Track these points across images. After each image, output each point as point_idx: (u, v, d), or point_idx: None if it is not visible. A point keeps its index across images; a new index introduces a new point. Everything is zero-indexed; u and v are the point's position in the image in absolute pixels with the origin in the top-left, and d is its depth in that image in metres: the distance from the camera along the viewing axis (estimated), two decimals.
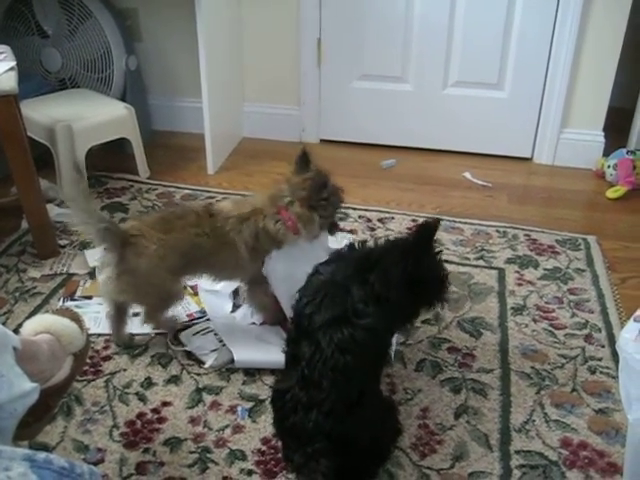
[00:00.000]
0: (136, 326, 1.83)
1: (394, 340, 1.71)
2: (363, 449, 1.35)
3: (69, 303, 1.95)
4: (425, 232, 1.55)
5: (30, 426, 1.14)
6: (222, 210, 1.75)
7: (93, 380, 1.68)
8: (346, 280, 1.43)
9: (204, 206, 1.78)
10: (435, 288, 1.61)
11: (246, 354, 1.72)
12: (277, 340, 1.73)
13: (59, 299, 1.97)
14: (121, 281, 1.67)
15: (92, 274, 2.08)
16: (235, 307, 1.96)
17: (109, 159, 2.81)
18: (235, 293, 2.00)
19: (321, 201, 1.73)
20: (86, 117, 2.56)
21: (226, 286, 1.97)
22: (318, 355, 1.32)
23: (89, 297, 1.98)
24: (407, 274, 1.47)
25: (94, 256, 2.10)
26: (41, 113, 2.56)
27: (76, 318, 1.34)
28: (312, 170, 1.75)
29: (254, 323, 1.88)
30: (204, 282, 1.94)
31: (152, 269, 1.66)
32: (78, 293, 2.00)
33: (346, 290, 1.40)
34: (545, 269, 2.14)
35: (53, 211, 2.38)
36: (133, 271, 1.65)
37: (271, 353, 1.69)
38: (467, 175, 2.81)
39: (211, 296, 1.98)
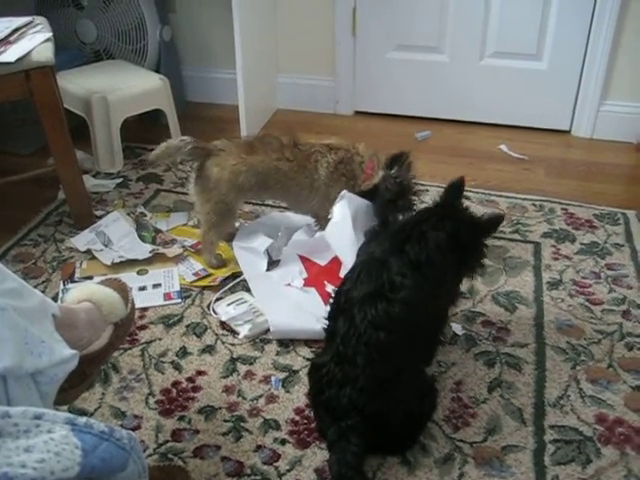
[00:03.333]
0: (150, 299, 1.86)
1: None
2: (396, 426, 1.36)
3: (70, 286, 1.90)
4: (452, 190, 1.56)
5: (67, 392, 1.16)
6: (310, 142, 1.96)
7: (129, 349, 1.71)
8: (384, 254, 1.42)
9: (291, 136, 1.96)
10: (474, 253, 1.60)
11: (282, 323, 1.73)
12: (315, 308, 1.73)
13: (61, 282, 1.95)
14: (196, 185, 1.93)
15: (88, 253, 2.07)
16: (269, 265, 1.97)
17: (143, 130, 2.82)
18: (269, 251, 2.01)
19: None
20: (121, 88, 2.57)
21: (261, 243, 1.99)
22: (352, 331, 1.33)
23: (90, 277, 1.94)
24: (446, 234, 1.46)
25: (82, 241, 2.11)
26: (77, 85, 2.58)
27: (122, 288, 1.34)
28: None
29: (289, 284, 1.89)
30: (238, 239, 2.03)
31: (223, 179, 1.88)
32: (77, 275, 1.97)
33: (383, 264, 1.39)
34: (582, 244, 2.11)
35: (89, 182, 2.41)
36: (206, 177, 1.90)
37: (308, 322, 1.69)
38: (503, 148, 2.76)
39: (246, 253, 1.99)
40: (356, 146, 1.98)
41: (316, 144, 1.96)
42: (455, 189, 1.60)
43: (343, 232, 1.83)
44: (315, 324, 1.64)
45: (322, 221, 2.00)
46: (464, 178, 1.63)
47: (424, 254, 1.41)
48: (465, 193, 2.34)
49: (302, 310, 1.76)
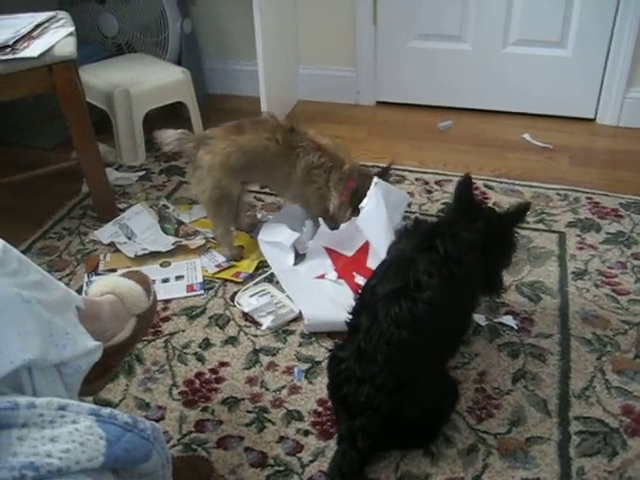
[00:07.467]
0: (173, 291, 1.87)
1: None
2: (412, 425, 1.35)
3: (94, 278, 1.93)
4: (464, 187, 1.55)
5: (91, 383, 1.17)
6: (307, 133, 1.94)
7: (153, 340, 1.72)
8: (412, 251, 1.41)
9: (291, 121, 1.96)
10: (506, 248, 1.59)
11: (317, 316, 1.72)
12: (348, 300, 1.73)
13: (85, 274, 1.96)
14: (193, 177, 1.95)
15: (111, 246, 2.09)
16: (297, 259, 1.96)
17: (165, 123, 2.81)
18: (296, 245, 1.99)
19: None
20: (143, 82, 2.58)
21: (287, 237, 1.97)
22: (375, 328, 1.32)
23: (113, 270, 1.95)
24: (479, 236, 1.45)
25: (106, 234, 2.12)
26: (99, 78, 2.59)
27: (143, 280, 1.35)
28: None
29: (322, 276, 1.89)
30: (263, 234, 2.00)
31: (214, 164, 1.88)
32: (101, 267, 1.99)
33: (411, 261, 1.38)
34: (608, 233, 2.08)
35: (112, 175, 2.43)
36: (200, 167, 1.90)
37: (342, 314, 1.68)
38: (527, 136, 2.73)
39: (272, 248, 1.98)
40: (343, 160, 1.95)
41: (309, 139, 1.93)
42: (466, 186, 1.58)
43: (377, 219, 1.83)
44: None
45: (310, 214, 2.04)
46: (470, 174, 1.60)
47: (456, 252, 1.39)
48: (488, 183, 2.36)
49: (335, 302, 1.74)
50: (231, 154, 1.87)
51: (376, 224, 1.84)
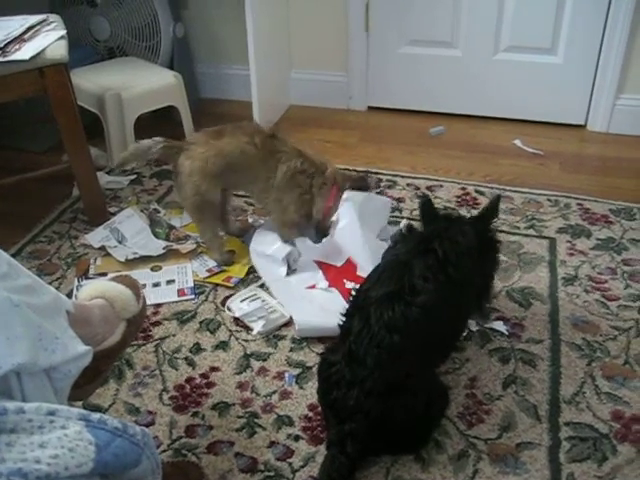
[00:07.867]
0: (164, 295, 1.87)
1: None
2: (401, 430, 1.35)
3: (84, 282, 1.92)
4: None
5: (81, 388, 1.17)
6: (288, 141, 1.93)
7: (143, 345, 1.71)
8: (407, 255, 1.41)
9: (273, 128, 1.98)
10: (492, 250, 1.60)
11: (308, 322, 1.72)
12: (338, 307, 1.73)
13: (75, 279, 1.95)
14: (176, 183, 1.95)
15: (102, 250, 2.08)
16: (289, 270, 1.95)
17: (157, 127, 2.80)
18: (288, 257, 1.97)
19: None
20: (135, 85, 2.58)
21: (279, 249, 1.95)
22: (366, 331, 1.31)
23: (104, 274, 1.95)
24: (475, 242, 1.45)
25: (96, 237, 2.11)
26: (91, 82, 2.59)
27: (133, 285, 1.35)
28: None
29: (313, 286, 1.88)
30: (255, 244, 1.99)
31: (194, 169, 1.86)
32: (91, 271, 1.98)
33: (406, 265, 1.37)
34: (598, 239, 2.09)
35: (103, 179, 2.42)
36: (181, 172, 1.89)
37: (333, 320, 1.68)
38: (517, 143, 2.74)
39: (263, 260, 1.97)
40: (325, 165, 1.96)
41: (291, 146, 1.93)
42: (429, 206, 1.58)
43: (352, 234, 1.84)
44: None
45: (275, 224, 2.01)
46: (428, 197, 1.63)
47: (454, 254, 1.39)
48: (479, 188, 2.36)
49: (326, 310, 1.73)
50: (209, 158, 1.86)
51: (352, 240, 1.85)
